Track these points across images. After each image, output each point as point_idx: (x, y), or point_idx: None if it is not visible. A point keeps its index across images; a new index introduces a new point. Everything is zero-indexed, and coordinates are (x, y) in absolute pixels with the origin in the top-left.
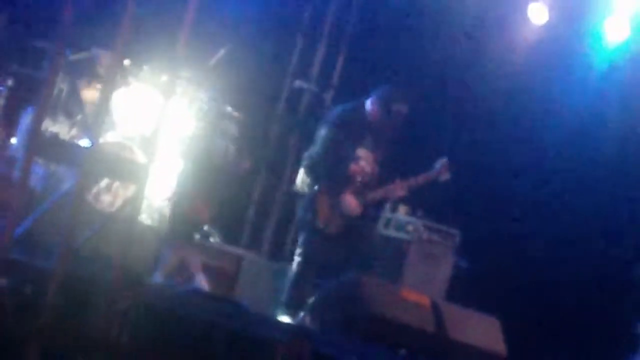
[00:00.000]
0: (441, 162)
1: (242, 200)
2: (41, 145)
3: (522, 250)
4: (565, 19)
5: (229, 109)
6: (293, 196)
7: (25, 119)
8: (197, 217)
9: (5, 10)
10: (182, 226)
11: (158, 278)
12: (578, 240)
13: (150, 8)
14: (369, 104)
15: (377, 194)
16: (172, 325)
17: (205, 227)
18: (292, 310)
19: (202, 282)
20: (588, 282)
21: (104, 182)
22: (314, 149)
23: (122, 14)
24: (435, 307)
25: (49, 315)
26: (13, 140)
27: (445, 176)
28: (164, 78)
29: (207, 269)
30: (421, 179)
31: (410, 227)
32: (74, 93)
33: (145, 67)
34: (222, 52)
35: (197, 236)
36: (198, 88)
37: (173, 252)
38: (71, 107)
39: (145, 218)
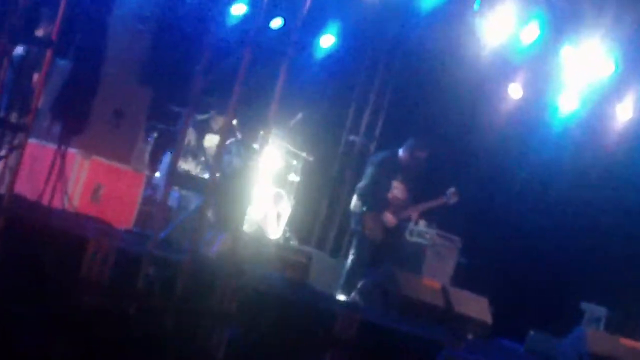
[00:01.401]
0: (451, 190)
1: (312, 216)
2: (176, 177)
3: (503, 253)
4: (533, 95)
5: (304, 154)
6: (348, 214)
7: (166, 159)
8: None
9: (152, 85)
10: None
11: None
12: (538, 248)
13: (251, 85)
14: (400, 151)
15: (406, 214)
16: (264, 300)
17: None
18: (347, 291)
19: None
20: (546, 275)
21: None
22: (363, 182)
23: (231, 89)
24: (444, 290)
25: (181, 293)
26: (157, 174)
27: (454, 200)
28: (261, 133)
29: (288, 262)
30: (437, 202)
31: (427, 235)
32: (199, 143)
33: (246, 124)
34: (299, 115)
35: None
36: (282, 139)
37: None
38: (197, 152)
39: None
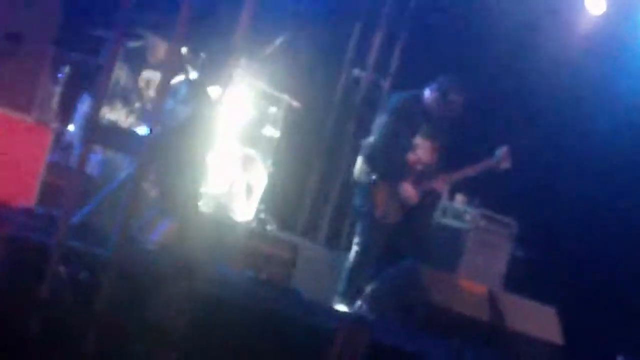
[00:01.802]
0: (502, 150)
1: (297, 188)
2: (99, 132)
3: (580, 240)
4: (621, 10)
5: (286, 97)
6: (350, 185)
7: (82, 107)
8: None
9: None
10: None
11: (220, 266)
12: (635, 230)
13: None
14: (427, 93)
15: (434, 184)
16: (228, 312)
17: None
18: (349, 298)
19: None
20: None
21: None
22: (374, 138)
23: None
24: (491, 296)
25: (104, 302)
26: (70, 128)
27: (506, 164)
28: (224, 66)
29: (263, 256)
30: (481, 166)
31: (467, 216)
32: (132, 81)
33: (202, 55)
34: (279, 40)
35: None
36: (255, 76)
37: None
38: (129, 94)
39: (202, 206)
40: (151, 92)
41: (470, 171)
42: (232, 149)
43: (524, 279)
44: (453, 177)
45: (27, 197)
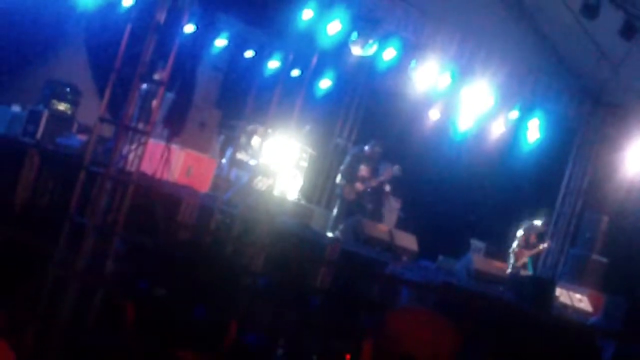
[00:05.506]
0: (397, 166)
1: (314, 186)
2: (235, 162)
3: (426, 209)
4: (445, 116)
5: (310, 149)
6: (335, 185)
7: (228, 152)
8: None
9: (221, 109)
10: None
11: (283, 216)
12: (447, 207)
13: (280, 109)
14: (365, 148)
15: (369, 184)
16: (286, 235)
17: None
18: (333, 231)
19: None
20: (451, 222)
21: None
22: (344, 166)
23: (269, 111)
24: (390, 231)
25: (236, 230)
26: (223, 160)
27: (398, 173)
28: (284, 136)
29: (300, 212)
30: (388, 174)
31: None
32: (248, 142)
33: (276, 132)
34: (308, 127)
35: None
36: (298, 140)
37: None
38: (247, 148)
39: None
40: (256, 147)
41: (385, 176)
42: (289, 169)
43: (403, 224)
44: (378, 180)
45: (206, 188)
